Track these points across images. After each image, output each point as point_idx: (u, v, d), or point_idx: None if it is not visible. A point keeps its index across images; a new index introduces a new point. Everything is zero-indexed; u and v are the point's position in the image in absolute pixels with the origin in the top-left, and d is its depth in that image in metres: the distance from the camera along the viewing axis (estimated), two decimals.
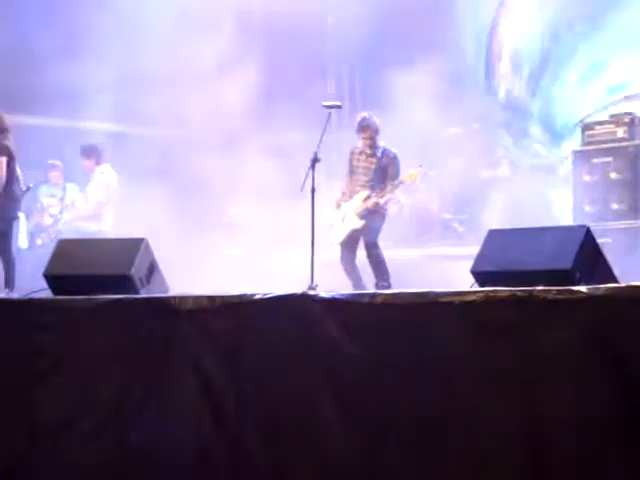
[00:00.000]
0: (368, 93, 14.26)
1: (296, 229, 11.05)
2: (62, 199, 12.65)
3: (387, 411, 5.78)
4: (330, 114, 9.52)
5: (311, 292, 6.63)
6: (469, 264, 6.50)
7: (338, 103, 9.56)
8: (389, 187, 9.78)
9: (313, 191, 9.23)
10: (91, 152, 12.24)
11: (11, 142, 9.99)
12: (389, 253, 10.96)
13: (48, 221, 12.57)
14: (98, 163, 12.35)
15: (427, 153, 12.09)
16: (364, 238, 9.61)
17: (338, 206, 10.10)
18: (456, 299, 5.65)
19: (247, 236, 13.02)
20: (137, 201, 12.05)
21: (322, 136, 9.40)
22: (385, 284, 9.72)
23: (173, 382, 6.46)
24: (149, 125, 13.93)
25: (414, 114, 12.30)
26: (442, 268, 11.04)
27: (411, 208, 13.02)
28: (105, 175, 12.34)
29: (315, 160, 9.41)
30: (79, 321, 6.82)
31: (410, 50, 13.30)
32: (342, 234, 10.00)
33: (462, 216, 13.14)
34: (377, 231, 9.95)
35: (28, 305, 7.31)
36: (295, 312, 6.18)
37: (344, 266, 9.95)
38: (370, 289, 9.66)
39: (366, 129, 9.89)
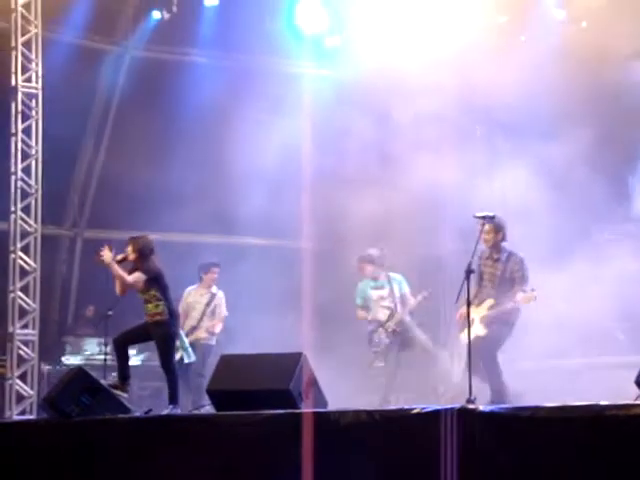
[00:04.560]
0: None
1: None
2: (207, 304, 12.26)
3: None
4: (484, 225, 9.50)
5: (470, 405, 6.57)
6: (631, 374, 6.34)
7: (491, 214, 9.54)
8: (515, 299, 9.53)
9: (469, 303, 9.16)
10: None
11: (158, 263, 10.11)
12: (549, 363, 10.82)
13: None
14: None
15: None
16: (482, 346, 9.32)
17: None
18: (621, 412, 5.50)
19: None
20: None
21: (476, 247, 9.37)
22: (499, 397, 9.40)
23: None
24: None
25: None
26: (603, 378, 10.75)
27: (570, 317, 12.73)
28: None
29: (469, 271, 9.35)
30: (238, 435, 6.92)
31: None
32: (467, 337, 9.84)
33: (624, 324, 12.76)
34: (497, 341, 9.68)
35: (189, 421, 7.49)
36: (454, 426, 6.12)
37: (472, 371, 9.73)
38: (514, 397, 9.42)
39: (489, 223, 9.71)
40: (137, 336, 9.83)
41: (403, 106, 12.96)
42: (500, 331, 9.62)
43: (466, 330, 9.76)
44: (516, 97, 12.72)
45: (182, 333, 10.86)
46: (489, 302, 9.60)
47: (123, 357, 9.67)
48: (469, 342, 8.83)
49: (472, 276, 9.72)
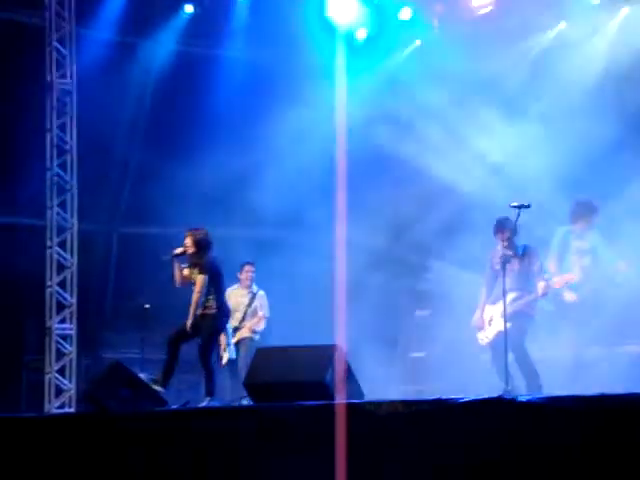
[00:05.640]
0: None
1: None
2: (248, 305, 12.30)
3: None
4: (519, 214, 9.44)
5: (507, 396, 6.54)
6: None
7: (526, 203, 9.48)
8: (539, 289, 9.60)
9: (504, 293, 9.17)
10: None
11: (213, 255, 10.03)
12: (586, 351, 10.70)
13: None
14: None
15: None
16: (510, 340, 9.29)
17: (482, 310, 9.96)
18: None
19: (434, 338, 12.95)
20: None
21: (512, 237, 9.43)
22: (535, 386, 9.41)
23: None
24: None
25: None
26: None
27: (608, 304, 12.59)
28: None
29: (505, 261, 9.35)
30: (279, 428, 6.93)
31: None
32: (489, 336, 9.87)
33: None
34: (523, 333, 9.70)
35: (227, 413, 7.51)
36: (490, 416, 6.10)
37: (496, 369, 9.71)
38: (545, 387, 9.41)
39: (503, 230, 9.73)
40: (187, 332, 9.69)
41: (436, 95, 12.96)
42: (523, 322, 9.68)
43: (485, 330, 9.86)
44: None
45: (229, 329, 10.86)
46: (510, 296, 9.56)
47: (173, 355, 9.60)
48: (505, 335, 8.89)
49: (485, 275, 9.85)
